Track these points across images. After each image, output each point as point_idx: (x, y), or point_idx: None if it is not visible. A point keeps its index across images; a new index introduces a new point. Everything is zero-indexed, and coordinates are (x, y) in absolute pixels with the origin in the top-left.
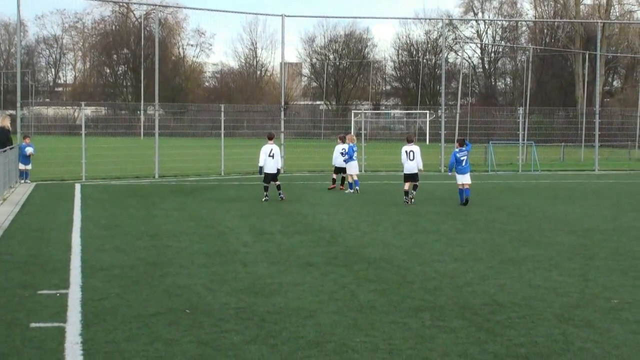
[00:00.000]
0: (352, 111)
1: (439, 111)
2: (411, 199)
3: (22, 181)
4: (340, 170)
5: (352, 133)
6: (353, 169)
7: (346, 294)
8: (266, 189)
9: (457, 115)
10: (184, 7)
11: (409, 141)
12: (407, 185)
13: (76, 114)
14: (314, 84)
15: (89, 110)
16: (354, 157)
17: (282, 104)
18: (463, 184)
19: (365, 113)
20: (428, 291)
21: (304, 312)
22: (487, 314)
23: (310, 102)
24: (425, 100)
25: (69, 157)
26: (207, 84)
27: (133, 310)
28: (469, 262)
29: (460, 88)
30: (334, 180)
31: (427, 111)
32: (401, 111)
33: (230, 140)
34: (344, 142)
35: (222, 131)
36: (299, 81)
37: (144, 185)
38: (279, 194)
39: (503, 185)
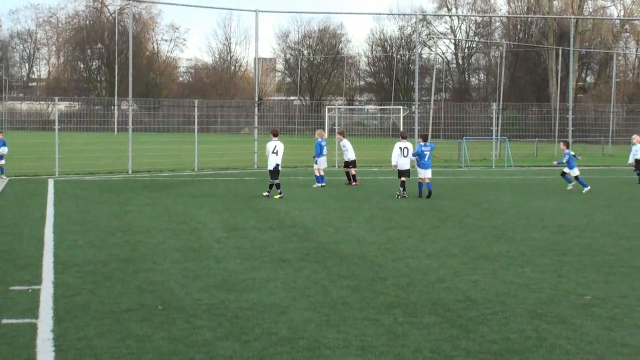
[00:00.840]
0: (326, 106)
1: (413, 107)
2: (398, 194)
3: None
4: (348, 165)
5: (325, 129)
6: (322, 163)
7: (319, 290)
8: (278, 185)
9: (431, 110)
10: (158, 2)
11: (403, 137)
12: (403, 178)
13: (50, 109)
14: (288, 80)
15: (62, 105)
16: (323, 153)
17: (256, 99)
18: (424, 178)
19: (339, 108)
20: (401, 287)
21: (277, 308)
22: (459, 310)
23: (284, 98)
24: (399, 95)
25: (42, 152)
26: (181, 79)
27: (105, 306)
28: (442, 258)
29: (433, 83)
30: (348, 176)
31: (401, 107)
32: (375, 107)
33: (204, 135)
34: (343, 136)
35: (196, 126)
36: (273, 76)
37: (118, 180)
38: (268, 191)
39: (476, 181)
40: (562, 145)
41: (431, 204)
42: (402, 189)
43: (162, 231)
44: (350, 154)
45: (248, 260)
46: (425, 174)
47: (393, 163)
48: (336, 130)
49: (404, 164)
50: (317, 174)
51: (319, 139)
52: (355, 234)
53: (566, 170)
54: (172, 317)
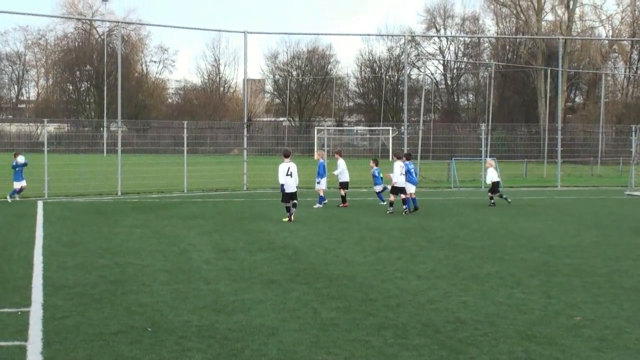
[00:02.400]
0: (315, 127)
1: (402, 127)
2: (406, 211)
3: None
4: (343, 186)
5: (317, 149)
6: (323, 184)
7: (308, 312)
8: (288, 209)
9: (420, 131)
10: (147, 24)
11: (399, 158)
12: (403, 196)
13: (39, 131)
14: (277, 101)
15: (51, 127)
16: (325, 174)
17: (245, 120)
18: (411, 194)
19: (328, 129)
20: (390, 308)
21: (267, 329)
22: (449, 331)
23: (273, 119)
24: (388, 116)
25: (31, 174)
26: (170, 100)
27: (95, 328)
28: (432, 279)
29: (422, 104)
30: (343, 198)
31: (390, 127)
32: (364, 127)
33: (193, 156)
34: (340, 155)
35: (185, 148)
36: (262, 97)
37: (107, 202)
38: (290, 214)
39: (466, 202)
40: (371, 163)
41: (420, 224)
42: (404, 204)
43: (152, 253)
44: (344, 175)
45: (237, 282)
46: (412, 189)
47: (395, 180)
48: (326, 150)
49: (404, 181)
50: (323, 194)
51: (321, 160)
52: (344, 255)
53: (376, 188)
54: (161, 339)
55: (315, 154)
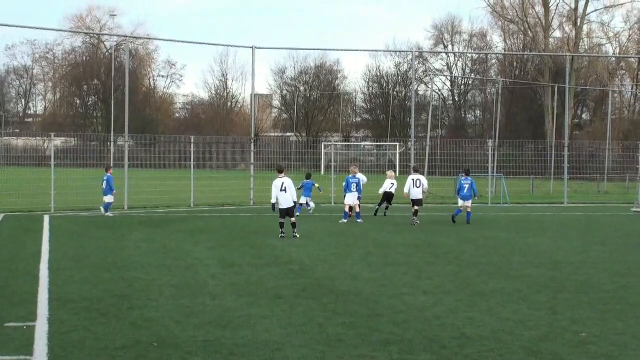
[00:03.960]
0: (323, 143)
1: (409, 143)
2: (415, 223)
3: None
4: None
5: (322, 165)
6: (350, 199)
7: (314, 327)
8: (282, 225)
9: (427, 147)
10: (155, 39)
11: (416, 171)
12: (416, 207)
13: (46, 145)
14: (285, 116)
15: (58, 141)
16: (352, 189)
17: (253, 135)
18: (464, 206)
19: (336, 145)
20: (397, 324)
21: (272, 345)
22: (455, 347)
23: (280, 134)
24: (395, 132)
25: (38, 188)
26: (177, 115)
27: (100, 343)
28: (438, 295)
29: (430, 120)
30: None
31: (397, 143)
32: (371, 143)
33: (200, 171)
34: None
35: (192, 162)
36: (270, 113)
37: (113, 216)
38: (294, 232)
39: (473, 218)
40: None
41: (427, 240)
42: (415, 217)
43: (158, 267)
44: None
45: (244, 297)
46: (465, 203)
47: (405, 191)
48: (333, 167)
49: (416, 194)
50: (348, 210)
51: (350, 175)
52: (351, 270)
53: None
54: (167, 354)
55: (351, 169)
